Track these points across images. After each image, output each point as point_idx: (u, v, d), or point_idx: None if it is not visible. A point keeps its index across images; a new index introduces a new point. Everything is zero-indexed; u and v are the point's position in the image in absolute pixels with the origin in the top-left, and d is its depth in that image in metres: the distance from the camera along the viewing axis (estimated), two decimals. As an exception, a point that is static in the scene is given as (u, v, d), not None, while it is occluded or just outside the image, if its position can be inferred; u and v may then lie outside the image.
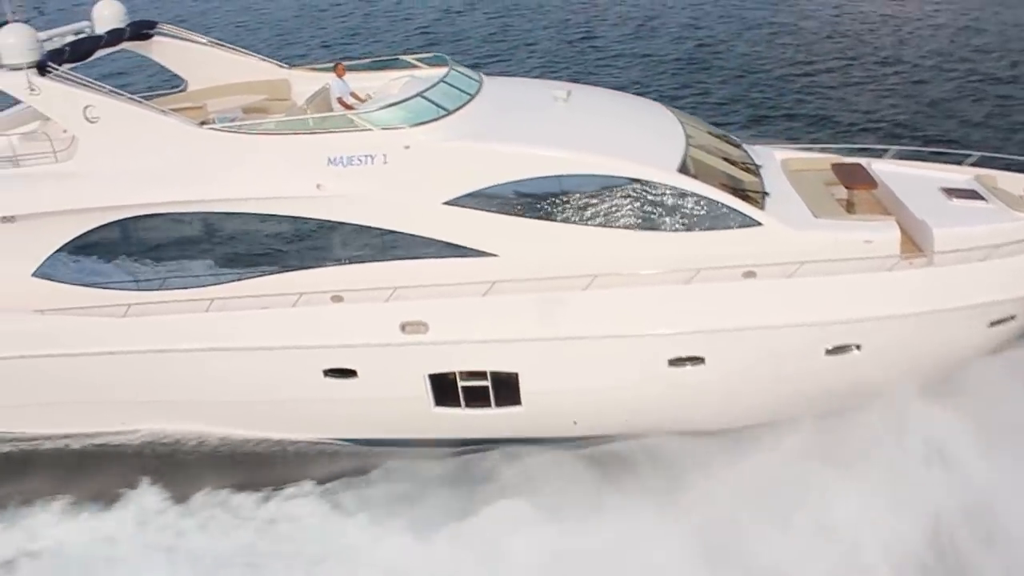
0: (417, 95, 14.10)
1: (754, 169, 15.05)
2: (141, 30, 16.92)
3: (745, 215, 13.43)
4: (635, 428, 14.19)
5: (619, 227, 13.45)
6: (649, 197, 13.45)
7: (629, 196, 13.44)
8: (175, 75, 17.63)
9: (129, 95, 14.21)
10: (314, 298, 13.98)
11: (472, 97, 14.77)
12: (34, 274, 14.83)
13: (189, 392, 14.89)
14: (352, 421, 14.93)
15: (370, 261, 14.03)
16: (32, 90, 13.99)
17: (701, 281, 13.21)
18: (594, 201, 13.48)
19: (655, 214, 13.46)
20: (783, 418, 13.67)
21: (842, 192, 14.84)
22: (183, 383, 14.79)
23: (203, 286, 14.46)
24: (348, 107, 15.30)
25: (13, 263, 14.81)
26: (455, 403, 14.28)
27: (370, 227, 13.87)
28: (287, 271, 14.25)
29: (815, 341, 13.43)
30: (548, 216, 13.51)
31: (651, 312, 13.39)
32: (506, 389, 14.05)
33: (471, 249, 13.75)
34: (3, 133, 14.98)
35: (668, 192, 13.41)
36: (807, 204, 14.21)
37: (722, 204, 13.42)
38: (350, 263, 14.08)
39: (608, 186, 13.44)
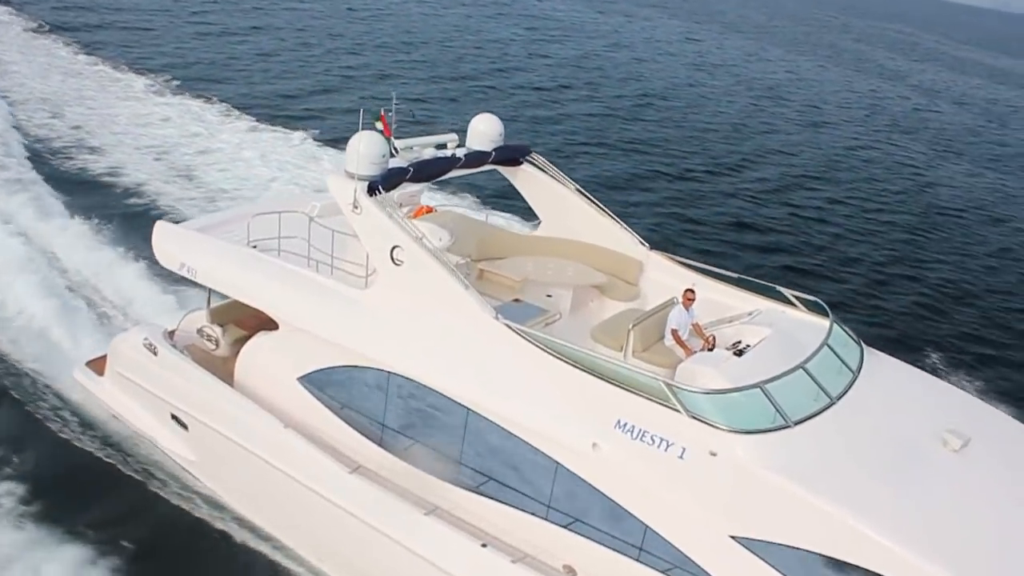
0: (757, 386, 10.72)
1: None
2: (512, 155, 15.07)
3: None
4: None
5: None
6: None
7: None
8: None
9: (441, 252, 12.34)
10: (544, 564, 11.47)
11: (832, 403, 11.13)
12: (298, 379, 13.82)
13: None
14: None
15: (619, 552, 11.09)
16: (355, 207, 12.66)
17: None
18: None
19: None
20: None
21: None
22: (382, 567, 12.99)
23: (437, 476, 12.48)
24: (680, 343, 12.35)
25: (288, 361, 14.00)
26: None
27: (634, 517, 10.92)
28: (527, 512, 11.77)
29: None
30: None
31: None
32: None
33: None
34: (334, 225, 13.66)
35: None
36: None
37: None
38: (597, 543, 11.25)
39: None
